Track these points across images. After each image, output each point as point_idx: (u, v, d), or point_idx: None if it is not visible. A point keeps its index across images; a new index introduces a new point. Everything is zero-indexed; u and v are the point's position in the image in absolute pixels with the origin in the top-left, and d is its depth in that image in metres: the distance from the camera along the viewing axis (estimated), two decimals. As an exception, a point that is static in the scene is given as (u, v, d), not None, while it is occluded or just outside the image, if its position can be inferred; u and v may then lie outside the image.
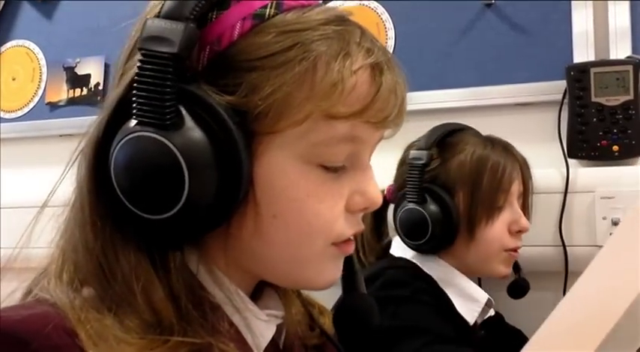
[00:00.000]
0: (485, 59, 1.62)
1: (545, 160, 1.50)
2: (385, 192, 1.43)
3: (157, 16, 0.59)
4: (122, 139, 0.58)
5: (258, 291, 0.73)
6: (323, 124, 0.61)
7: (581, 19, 1.54)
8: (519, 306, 1.45)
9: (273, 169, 0.62)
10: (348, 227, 0.66)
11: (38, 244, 0.66)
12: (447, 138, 1.34)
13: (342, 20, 0.64)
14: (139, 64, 0.57)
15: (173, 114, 0.57)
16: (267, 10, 0.62)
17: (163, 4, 0.59)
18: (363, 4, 1.72)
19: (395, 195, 1.38)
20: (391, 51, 1.68)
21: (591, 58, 1.52)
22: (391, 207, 1.39)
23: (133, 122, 0.58)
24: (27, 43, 2.10)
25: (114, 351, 0.55)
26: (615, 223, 1.41)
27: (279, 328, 0.72)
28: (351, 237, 0.68)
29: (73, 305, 0.58)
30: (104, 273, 0.60)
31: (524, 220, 1.33)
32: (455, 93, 1.63)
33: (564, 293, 0.91)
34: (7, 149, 2.04)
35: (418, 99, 1.63)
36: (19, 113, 2.08)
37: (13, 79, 2.10)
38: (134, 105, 0.57)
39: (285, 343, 0.73)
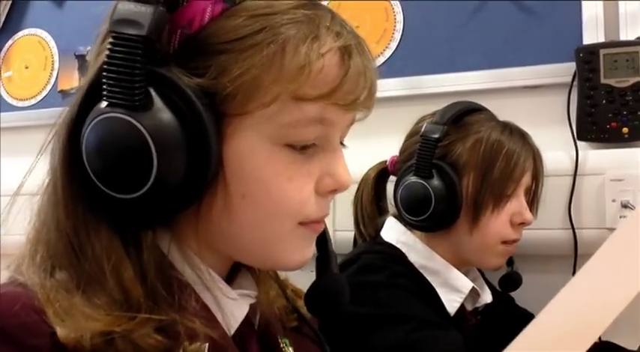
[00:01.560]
0: (494, 41, 1.61)
1: (555, 143, 1.49)
2: (388, 162, 1.42)
3: None
4: (93, 120, 0.59)
5: (234, 273, 0.74)
6: (291, 106, 0.62)
7: (591, 1, 1.52)
8: (528, 289, 1.44)
9: (243, 150, 0.63)
10: (316, 209, 0.67)
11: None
12: (464, 117, 1.30)
13: (312, 5, 0.65)
14: (109, 46, 0.58)
15: (142, 95, 0.58)
16: None
17: None
18: (372, -12, 1.72)
19: (398, 167, 1.35)
20: (400, 35, 1.68)
21: (601, 39, 1.50)
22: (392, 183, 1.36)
23: (104, 103, 0.59)
24: (39, 31, 2.11)
25: (80, 327, 0.56)
26: (625, 206, 1.40)
27: (253, 308, 0.73)
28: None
29: (43, 284, 0.59)
30: (75, 252, 0.61)
31: (528, 213, 1.29)
32: (464, 77, 1.62)
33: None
34: (20, 137, 2.06)
35: (427, 83, 1.63)
36: (32, 101, 2.10)
37: (26, 68, 2.12)
38: (104, 86, 0.59)
39: (261, 324, 0.75)
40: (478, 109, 1.33)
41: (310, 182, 0.66)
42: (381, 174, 1.44)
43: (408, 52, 1.67)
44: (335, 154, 0.68)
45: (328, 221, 1.62)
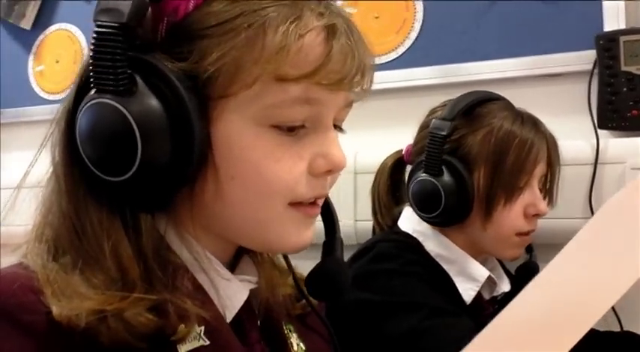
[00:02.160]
0: (514, 30, 1.60)
1: (575, 131, 1.49)
2: (404, 151, 1.43)
3: None
4: (84, 106, 0.62)
5: (238, 260, 0.75)
6: (274, 87, 0.63)
7: (613, -13, 1.51)
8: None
9: (230, 132, 0.64)
10: (309, 189, 0.68)
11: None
12: (476, 108, 1.28)
13: None
14: (93, 34, 0.61)
15: (126, 80, 0.61)
16: None
17: None
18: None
19: (412, 159, 1.35)
20: (419, 24, 1.68)
21: (622, 26, 1.49)
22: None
23: (93, 90, 0.62)
24: (69, 26, 2.16)
25: (75, 306, 0.58)
26: (646, 194, 1.38)
27: (255, 294, 0.74)
28: (317, 201, 0.70)
29: (44, 266, 0.62)
30: (77, 234, 0.64)
31: (542, 204, 1.28)
32: (484, 65, 1.61)
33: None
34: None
35: (447, 72, 1.63)
36: (64, 95, 2.15)
37: (57, 62, 2.17)
38: (91, 74, 0.61)
39: (262, 310, 0.76)
40: (491, 99, 1.31)
41: (300, 163, 0.67)
42: (397, 163, 1.44)
43: (428, 41, 1.67)
44: (326, 135, 0.68)
45: (349, 211, 1.65)
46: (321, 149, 0.68)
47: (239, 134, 0.64)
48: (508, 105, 1.31)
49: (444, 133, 1.25)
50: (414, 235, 1.31)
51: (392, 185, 1.44)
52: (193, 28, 0.63)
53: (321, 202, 0.72)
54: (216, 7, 0.64)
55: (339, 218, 1.73)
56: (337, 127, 0.72)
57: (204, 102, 0.63)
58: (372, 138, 1.65)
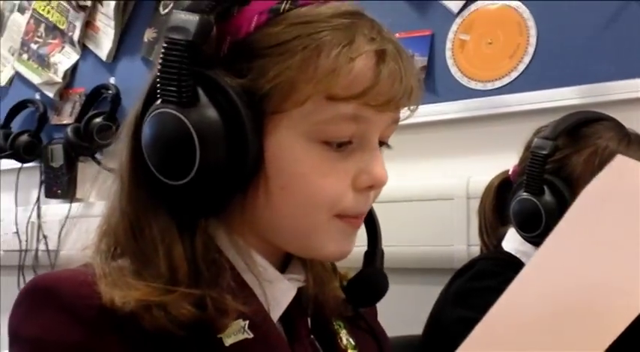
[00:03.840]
0: (627, 52, 1.56)
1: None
2: (510, 171, 1.42)
3: (181, 8, 0.69)
4: (150, 115, 0.69)
5: (289, 261, 0.80)
6: (325, 105, 0.68)
7: None
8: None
9: (281, 145, 0.70)
10: (353, 203, 0.72)
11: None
12: (581, 128, 1.28)
13: (352, 14, 0.71)
14: (162, 49, 0.68)
15: (190, 93, 0.67)
16: (283, 5, 0.70)
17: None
18: (506, 4, 1.73)
19: (517, 177, 1.35)
20: (533, 49, 1.67)
21: None
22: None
23: (159, 101, 0.69)
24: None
25: (124, 295, 0.66)
26: None
27: (305, 293, 0.79)
28: (360, 215, 0.74)
29: (102, 262, 0.70)
30: (134, 234, 0.71)
31: None
32: (598, 88, 1.58)
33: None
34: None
35: (560, 96, 1.61)
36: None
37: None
38: (158, 85, 0.68)
39: (313, 307, 0.80)
40: (598, 119, 1.30)
41: (346, 178, 0.72)
42: (503, 183, 1.44)
43: (542, 65, 1.66)
44: (372, 153, 0.73)
45: (462, 236, 1.65)
46: (365, 166, 0.72)
47: (290, 148, 0.70)
48: (616, 126, 1.29)
49: (545, 152, 1.25)
50: (517, 255, 1.31)
51: (498, 205, 1.44)
52: (253, 47, 0.69)
53: (363, 216, 0.76)
54: (275, 29, 0.69)
55: (452, 243, 1.74)
56: (384, 143, 0.76)
57: (259, 117, 0.69)
58: (485, 164, 1.66)
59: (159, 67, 0.68)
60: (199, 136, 0.66)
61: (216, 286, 0.69)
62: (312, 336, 0.80)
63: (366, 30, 0.70)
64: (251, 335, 0.70)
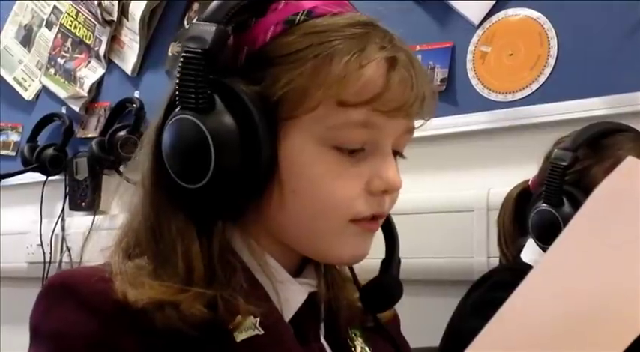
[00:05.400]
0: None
1: None
2: (530, 182, 1.41)
3: (200, 20, 0.71)
4: (170, 121, 0.71)
5: (304, 265, 0.81)
6: (337, 111, 0.70)
7: None
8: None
9: (294, 150, 0.71)
10: (367, 207, 0.73)
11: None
12: (601, 139, 1.27)
13: (366, 24, 0.73)
14: (181, 58, 0.70)
15: (206, 100, 0.69)
16: (298, 16, 0.72)
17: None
18: (527, 15, 1.72)
19: (536, 188, 1.34)
20: (554, 60, 1.67)
21: None
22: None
23: (178, 107, 0.71)
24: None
25: (138, 292, 0.67)
26: None
27: (319, 297, 0.79)
28: (377, 218, 0.75)
29: (120, 262, 0.72)
30: (154, 235, 0.73)
31: None
32: (621, 98, 1.56)
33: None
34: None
35: (581, 107, 1.60)
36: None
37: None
38: (176, 93, 0.70)
39: (327, 313, 0.81)
40: (619, 130, 1.29)
41: (359, 182, 0.73)
42: (523, 194, 1.44)
43: (563, 76, 1.65)
44: (384, 158, 0.74)
45: (482, 248, 1.64)
46: (378, 170, 0.73)
47: (302, 152, 0.72)
48: (637, 137, 1.29)
49: (564, 163, 1.24)
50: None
51: (517, 216, 1.44)
52: (267, 56, 0.72)
53: (381, 220, 0.77)
54: (289, 39, 0.72)
55: (472, 255, 1.73)
56: (399, 154, 0.77)
57: (273, 122, 0.71)
58: (505, 175, 1.64)
59: (177, 75, 0.70)
60: (214, 141, 0.69)
61: (228, 287, 0.71)
62: (323, 341, 0.80)
63: (378, 39, 0.72)
64: (262, 332, 0.71)
